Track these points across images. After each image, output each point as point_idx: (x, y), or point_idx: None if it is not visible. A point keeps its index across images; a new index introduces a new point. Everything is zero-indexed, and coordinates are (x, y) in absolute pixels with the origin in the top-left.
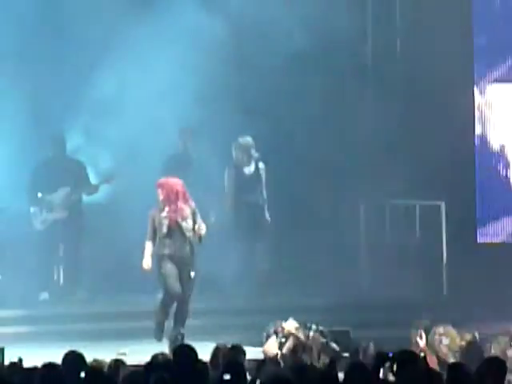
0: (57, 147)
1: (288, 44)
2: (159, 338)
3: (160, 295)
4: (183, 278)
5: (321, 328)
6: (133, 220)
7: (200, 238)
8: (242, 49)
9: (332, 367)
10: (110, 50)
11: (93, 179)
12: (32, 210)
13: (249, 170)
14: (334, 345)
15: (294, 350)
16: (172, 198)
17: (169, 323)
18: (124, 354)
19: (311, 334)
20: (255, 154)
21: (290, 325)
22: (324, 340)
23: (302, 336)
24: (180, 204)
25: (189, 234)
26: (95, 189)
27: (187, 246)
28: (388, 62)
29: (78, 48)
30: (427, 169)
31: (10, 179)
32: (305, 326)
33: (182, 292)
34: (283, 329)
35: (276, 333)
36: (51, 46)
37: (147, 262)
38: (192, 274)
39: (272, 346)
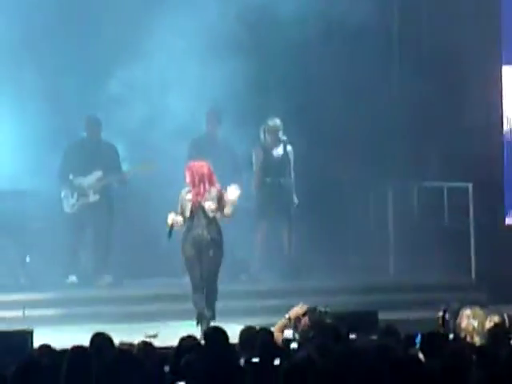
0: (92, 129)
1: (314, 23)
2: (199, 323)
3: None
4: (207, 259)
5: (328, 310)
6: (161, 204)
7: (226, 215)
8: (270, 28)
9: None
10: (135, 33)
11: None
12: (63, 192)
13: (277, 152)
14: (342, 327)
15: (305, 332)
16: (197, 180)
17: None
18: (154, 336)
19: (319, 316)
20: (283, 137)
21: (299, 309)
22: (330, 322)
23: (308, 319)
24: (205, 186)
25: (213, 215)
26: (125, 177)
27: (212, 227)
28: (415, 42)
29: (103, 32)
30: (455, 150)
31: (38, 162)
32: (313, 310)
33: (207, 273)
34: (295, 314)
35: (289, 318)
36: (77, 31)
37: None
38: (213, 253)
39: (277, 331)
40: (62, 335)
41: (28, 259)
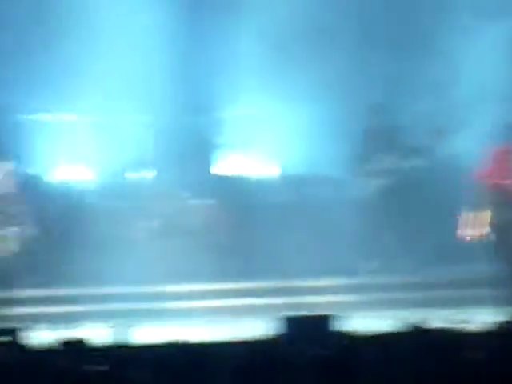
0: (375, 115)
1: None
2: None
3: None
4: None
5: None
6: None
7: None
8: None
9: None
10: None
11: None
12: (357, 179)
13: None
14: None
15: None
16: None
17: None
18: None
19: None
20: None
21: None
22: None
23: None
24: None
25: None
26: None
27: None
28: None
29: None
30: None
31: (337, 149)
32: None
33: None
34: None
35: None
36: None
37: None
38: None
39: None
40: (363, 321)
41: None
